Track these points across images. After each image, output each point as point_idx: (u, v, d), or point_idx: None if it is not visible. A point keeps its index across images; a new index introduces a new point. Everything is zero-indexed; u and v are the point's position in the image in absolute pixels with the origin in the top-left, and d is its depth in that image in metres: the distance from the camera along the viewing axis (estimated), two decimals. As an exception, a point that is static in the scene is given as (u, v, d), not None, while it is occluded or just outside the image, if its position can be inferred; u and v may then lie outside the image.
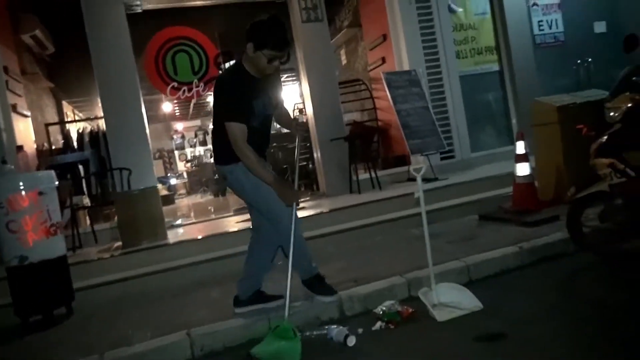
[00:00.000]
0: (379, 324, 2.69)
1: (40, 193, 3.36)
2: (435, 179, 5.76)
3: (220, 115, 2.75)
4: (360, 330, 2.65)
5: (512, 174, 4.46)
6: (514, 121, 7.07)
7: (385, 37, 7.07)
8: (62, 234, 3.56)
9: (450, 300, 2.78)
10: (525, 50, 7.06)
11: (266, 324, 2.82)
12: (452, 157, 6.61)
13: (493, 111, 7.18)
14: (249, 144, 2.68)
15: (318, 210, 5.24)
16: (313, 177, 7.03)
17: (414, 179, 6.11)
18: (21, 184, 3.32)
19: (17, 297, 3.32)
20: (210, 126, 3.48)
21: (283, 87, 2.97)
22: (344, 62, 9.89)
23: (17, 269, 3.27)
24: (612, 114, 2.86)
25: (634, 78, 2.80)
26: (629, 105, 2.77)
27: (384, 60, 7.24)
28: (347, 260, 3.82)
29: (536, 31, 7.29)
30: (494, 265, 3.28)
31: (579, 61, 7.36)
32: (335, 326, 2.66)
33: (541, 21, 7.33)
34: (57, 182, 3.55)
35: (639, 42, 2.93)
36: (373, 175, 6.11)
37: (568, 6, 7.40)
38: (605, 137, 2.89)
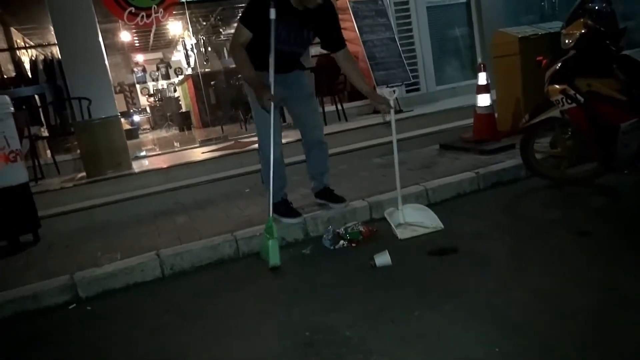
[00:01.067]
0: (341, 243, 2.85)
1: (-5, 119, 3.27)
2: (400, 111, 5.84)
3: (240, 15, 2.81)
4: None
5: (473, 106, 4.58)
6: (479, 54, 7.11)
7: (353, -36, 6.83)
8: (23, 162, 3.50)
9: (414, 220, 2.95)
10: (492, -19, 6.99)
11: (233, 244, 2.93)
12: (418, 89, 6.67)
13: (459, 44, 7.19)
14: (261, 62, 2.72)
15: (284, 141, 5.26)
16: (279, 109, 6.97)
17: (379, 112, 6.18)
18: (-26, 109, 3.21)
19: (-21, 224, 3.31)
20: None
21: (340, 37, 2.78)
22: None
23: (-23, 196, 3.23)
24: (566, 40, 2.94)
25: (589, 5, 2.86)
26: (582, 31, 2.85)
27: (351, -11, 7.03)
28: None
29: (505, -38, 7.19)
30: (451, 189, 3.46)
31: (543, -3, 7.36)
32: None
33: (510, -49, 7.21)
34: (12, 109, 3.44)
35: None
36: (339, 107, 6.13)
37: (538, -64, 7.29)
38: (559, 64, 2.99)
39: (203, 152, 5.31)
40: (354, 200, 3.30)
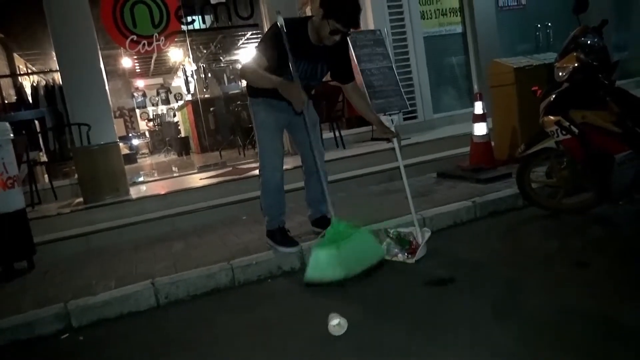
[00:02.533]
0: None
1: (-6, 145, 3.28)
2: (389, 140, 5.87)
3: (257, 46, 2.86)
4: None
5: (470, 134, 4.62)
6: (475, 83, 7.22)
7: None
8: (20, 188, 3.50)
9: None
10: (488, 12, 7.14)
11: (229, 273, 2.92)
12: (415, 117, 6.73)
13: (455, 73, 7.30)
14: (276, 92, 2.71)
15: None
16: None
17: (376, 139, 6.24)
18: (-27, 136, 3.23)
19: (-26, 251, 3.28)
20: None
21: (350, 70, 2.85)
22: (310, 20, 9.73)
23: (-27, 222, 3.22)
24: (560, 73, 2.99)
25: (581, 38, 2.92)
26: (575, 65, 2.90)
27: (350, 18, 7.17)
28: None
29: (500, -6, 7.38)
30: (448, 218, 3.46)
31: (539, 25, 7.51)
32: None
33: (504, -16, 7.41)
34: (12, 135, 3.46)
35: (588, 5, 3.04)
36: (337, 134, 6.18)
37: (531, -30, 7.50)
38: (554, 96, 3.03)
39: (201, 178, 5.32)
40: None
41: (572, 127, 2.92)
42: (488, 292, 2.35)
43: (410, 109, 6.43)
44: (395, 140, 3.10)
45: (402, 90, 6.25)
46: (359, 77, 6.19)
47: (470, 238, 3.21)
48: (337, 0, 2.65)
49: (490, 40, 7.06)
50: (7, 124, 3.45)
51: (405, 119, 6.56)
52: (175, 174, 6.52)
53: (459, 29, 7.24)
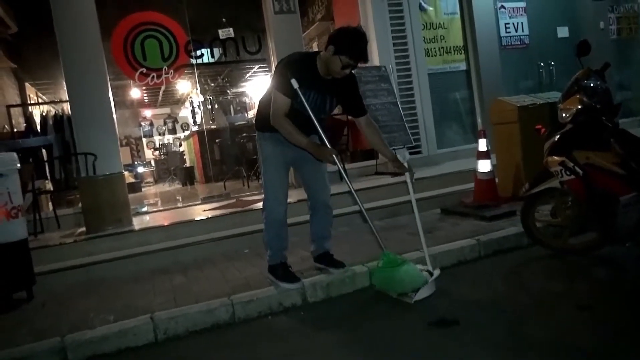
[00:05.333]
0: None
1: (1, 175, 3.31)
2: (402, 174, 5.87)
3: (273, 83, 2.91)
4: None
5: (474, 170, 4.63)
6: (479, 119, 7.28)
7: (357, 32, 7.13)
8: (24, 218, 3.50)
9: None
10: (491, 51, 7.26)
11: (230, 309, 2.88)
12: (419, 152, 6.75)
13: (459, 109, 7.37)
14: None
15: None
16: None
17: (381, 173, 6.25)
18: (-20, 165, 3.25)
19: (-26, 280, 3.26)
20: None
21: (362, 104, 3.11)
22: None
23: (-26, 251, 3.21)
24: (564, 114, 3.01)
25: (584, 81, 2.96)
26: (578, 107, 2.93)
27: (355, 54, 7.31)
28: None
29: (503, 33, 7.51)
30: (451, 256, 3.43)
31: (542, 64, 7.62)
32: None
33: (508, 23, 7.55)
34: (18, 165, 3.49)
35: (590, 49, 3.09)
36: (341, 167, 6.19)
37: (533, 10, 7.65)
38: (557, 137, 3.05)
39: (205, 210, 5.32)
40: (354, 265, 3.26)
41: (576, 167, 2.92)
42: (492, 336, 2.30)
43: (414, 144, 6.48)
44: (407, 174, 3.14)
45: (406, 125, 6.32)
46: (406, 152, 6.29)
47: (475, 277, 3.17)
48: (349, 37, 2.77)
49: (494, 78, 7.15)
50: (15, 155, 3.49)
51: (409, 154, 6.56)
52: (178, 205, 6.52)
53: (463, 67, 7.35)
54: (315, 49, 9.91)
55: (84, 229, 4.69)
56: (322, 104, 2.95)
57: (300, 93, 2.78)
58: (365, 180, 5.95)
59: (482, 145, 4.53)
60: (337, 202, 4.96)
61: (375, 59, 6.71)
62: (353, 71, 2.91)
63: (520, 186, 3.59)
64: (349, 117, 7.40)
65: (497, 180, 4.65)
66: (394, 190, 5.29)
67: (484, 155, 4.52)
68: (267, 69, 9.98)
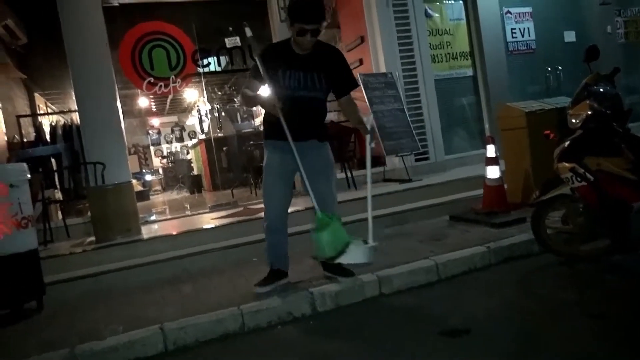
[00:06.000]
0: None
1: (12, 185, 3.33)
2: (410, 180, 5.88)
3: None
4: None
5: (483, 177, 4.60)
6: (486, 125, 7.25)
7: (362, 39, 7.15)
8: (34, 228, 3.52)
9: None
10: (498, 56, 7.25)
11: (239, 318, 2.87)
12: (427, 159, 6.73)
13: (466, 115, 7.35)
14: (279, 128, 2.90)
15: (292, 209, 5.27)
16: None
17: (388, 180, 6.23)
18: (-9, 176, 3.28)
19: (-15, 291, 3.28)
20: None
21: (349, 78, 3.14)
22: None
23: (-15, 261, 3.23)
24: (573, 120, 2.99)
25: (594, 87, 2.94)
26: (588, 112, 2.91)
27: (361, 61, 7.33)
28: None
29: (509, 38, 7.49)
30: (461, 264, 3.39)
31: (549, 68, 7.59)
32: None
33: (514, 29, 7.54)
34: (29, 176, 3.51)
35: (599, 54, 3.07)
36: (349, 175, 6.19)
37: (540, 15, 7.63)
38: (568, 143, 3.02)
39: (213, 218, 5.33)
40: (362, 273, 3.24)
41: (586, 174, 2.89)
42: (503, 346, 2.28)
43: (421, 150, 6.46)
44: (367, 138, 3.08)
45: (413, 131, 6.31)
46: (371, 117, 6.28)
47: (485, 286, 3.14)
48: (295, 3, 2.87)
49: (501, 83, 7.14)
50: (25, 165, 3.51)
51: (416, 160, 6.57)
52: (187, 213, 6.53)
53: (470, 72, 7.33)
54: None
55: (93, 238, 4.71)
56: (307, 80, 2.96)
57: (276, 73, 2.88)
58: (373, 188, 5.91)
59: (491, 151, 4.51)
60: (346, 209, 4.97)
61: (381, 65, 6.72)
62: (335, 46, 3.05)
63: (530, 193, 3.56)
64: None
65: (506, 186, 4.62)
66: (401, 197, 5.28)
67: (493, 161, 4.49)
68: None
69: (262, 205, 3.29)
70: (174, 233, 4.81)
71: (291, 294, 3.04)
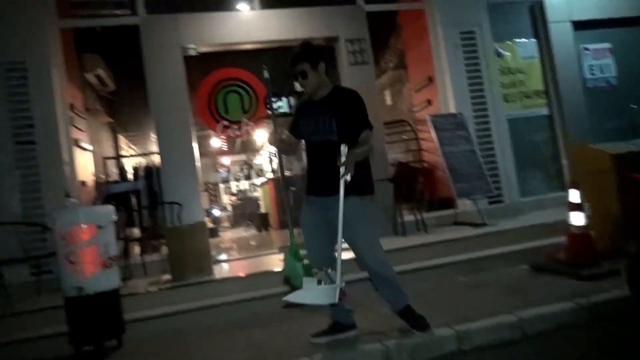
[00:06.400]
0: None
1: (99, 227, 3.52)
2: (484, 225, 5.63)
3: None
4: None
5: (564, 222, 4.30)
6: (564, 167, 6.87)
7: (431, 80, 7.12)
8: (117, 267, 3.69)
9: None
10: (575, 94, 6.94)
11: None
12: (501, 201, 6.44)
13: (542, 156, 7.02)
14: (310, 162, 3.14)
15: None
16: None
17: (460, 223, 6.02)
18: (82, 217, 3.49)
19: (72, 327, 3.44)
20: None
21: (359, 119, 2.93)
22: (388, 102, 9.99)
23: (74, 299, 3.40)
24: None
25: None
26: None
27: (429, 102, 7.28)
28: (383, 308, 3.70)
29: (587, 75, 7.17)
30: (547, 321, 3.14)
31: (633, 106, 7.14)
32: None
33: (592, 65, 7.21)
34: (115, 217, 3.71)
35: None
36: (418, 217, 6.04)
37: (620, 50, 7.27)
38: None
39: (281, 260, 5.34)
40: (438, 327, 3.08)
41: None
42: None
43: (495, 192, 6.21)
44: (342, 169, 2.73)
45: (486, 173, 6.10)
46: (440, 159, 6.15)
47: (576, 349, 2.87)
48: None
49: (579, 122, 6.80)
50: (112, 207, 3.73)
51: (490, 203, 6.31)
52: (256, 253, 6.60)
53: (545, 111, 7.06)
54: (388, 97, 9.99)
55: (168, 276, 4.86)
56: (322, 123, 2.98)
57: (299, 122, 3.09)
58: (444, 232, 5.74)
59: (574, 196, 4.22)
60: (414, 256, 4.83)
61: (450, 106, 6.62)
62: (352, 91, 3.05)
63: (619, 241, 3.29)
64: (425, 164, 7.38)
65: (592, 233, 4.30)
66: (476, 243, 5.05)
67: (577, 207, 4.20)
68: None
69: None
70: (244, 275, 4.88)
71: (364, 346, 2.95)
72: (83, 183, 6.03)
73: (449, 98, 6.66)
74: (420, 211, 6.17)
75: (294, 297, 2.77)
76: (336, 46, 6.62)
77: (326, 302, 2.72)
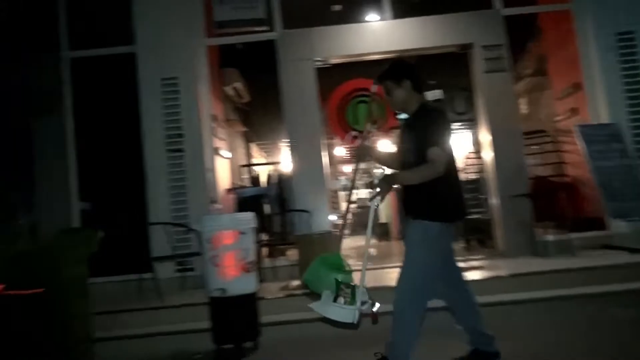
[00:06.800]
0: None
1: (242, 233, 3.73)
2: (637, 251, 4.93)
3: None
4: None
5: None
6: None
7: (577, 87, 6.47)
8: (255, 272, 3.87)
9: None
10: None
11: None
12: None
13: None
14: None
15: (494, 273, 4.86)
16: (487, 232, 6.60)
17: (612, 247, 5.36)
18: (227, 223, 3.75)
19: (215, 326, 3.67)
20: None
21: (423, 139, 2.69)
22: (523, 111, 9.31)
23: (218, 299, 3.63)
24: None
25: None
26: None
27: (574, 111, 6.62)
28: (522, 340, 3.37)
29: None
30: None
31: None
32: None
33: None
34: (255, 224, 3.90)
35: None
36: (563, 237, 5.48)
37: None
38: None
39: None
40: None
41: None
42: None
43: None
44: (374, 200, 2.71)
45: (647, 193, 5.35)
46: (589, 175, 5.53)
47: None
48: None
49: None
50: (252, 214, 3.91)
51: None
52: (382, 265, 6.50)
53: None
54: (525, 106, 9.33)
55: (298, 282, 5.00)
56: (402, 142, 2.93)
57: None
58: (593, 256, 5.14)
59: None
60: (556, 282, 4.39)
61: (603, 115, 5.96)
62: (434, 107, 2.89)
63: None
64: (567, 179, 6.72)
65: None
66: (634, 271, 4.43)
67: None
68: (468, 124, 9.71)
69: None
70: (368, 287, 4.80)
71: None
72: (228, 190, 6.48)
73: (601, 107, 6.00)
74: (564, 231, 5.60)
75: (316, 307, 2.71)
76: (470, 53, 6.33)
77: (343, 320, 2.67)
